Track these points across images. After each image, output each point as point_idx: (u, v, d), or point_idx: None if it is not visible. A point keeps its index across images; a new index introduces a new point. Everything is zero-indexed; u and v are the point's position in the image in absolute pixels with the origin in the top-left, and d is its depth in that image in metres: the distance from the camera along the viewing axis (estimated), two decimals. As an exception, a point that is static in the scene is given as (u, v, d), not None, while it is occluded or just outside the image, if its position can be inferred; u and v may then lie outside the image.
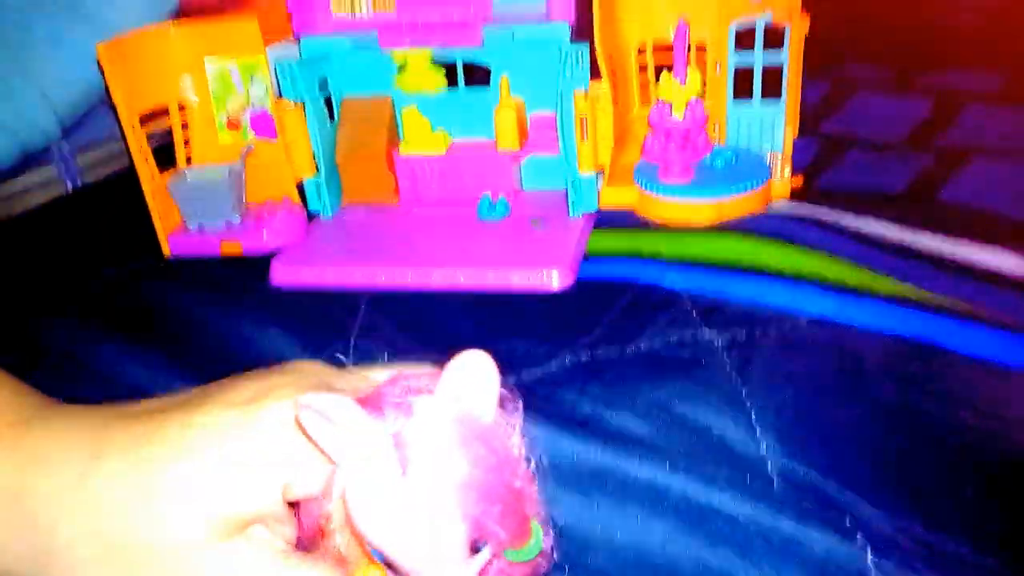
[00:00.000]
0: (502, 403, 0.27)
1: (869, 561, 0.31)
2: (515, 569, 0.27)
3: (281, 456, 0.27)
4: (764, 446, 0.36)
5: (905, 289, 0.45)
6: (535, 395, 0.40)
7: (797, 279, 0.46)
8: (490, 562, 0.26)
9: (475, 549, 0.25)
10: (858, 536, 0.32)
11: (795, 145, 0.59)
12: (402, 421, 0.25)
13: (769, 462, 0.35)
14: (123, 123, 0.56)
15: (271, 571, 0.26)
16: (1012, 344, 0.40)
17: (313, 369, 0.31)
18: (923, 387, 0.38)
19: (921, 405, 0.37)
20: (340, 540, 0.26)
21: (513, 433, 0.26)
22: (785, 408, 0.38)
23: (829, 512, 0.33)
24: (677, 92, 0.53)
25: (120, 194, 0.66)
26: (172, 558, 0.26)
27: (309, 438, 0.25)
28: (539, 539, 0.26)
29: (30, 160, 0.72)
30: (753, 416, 0.37)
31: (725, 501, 0.33)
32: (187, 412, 0.28)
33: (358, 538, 0.26)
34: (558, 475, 0.35)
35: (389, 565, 0.25)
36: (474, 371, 0.26)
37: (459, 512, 0.24)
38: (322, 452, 0.26)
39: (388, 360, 0.34)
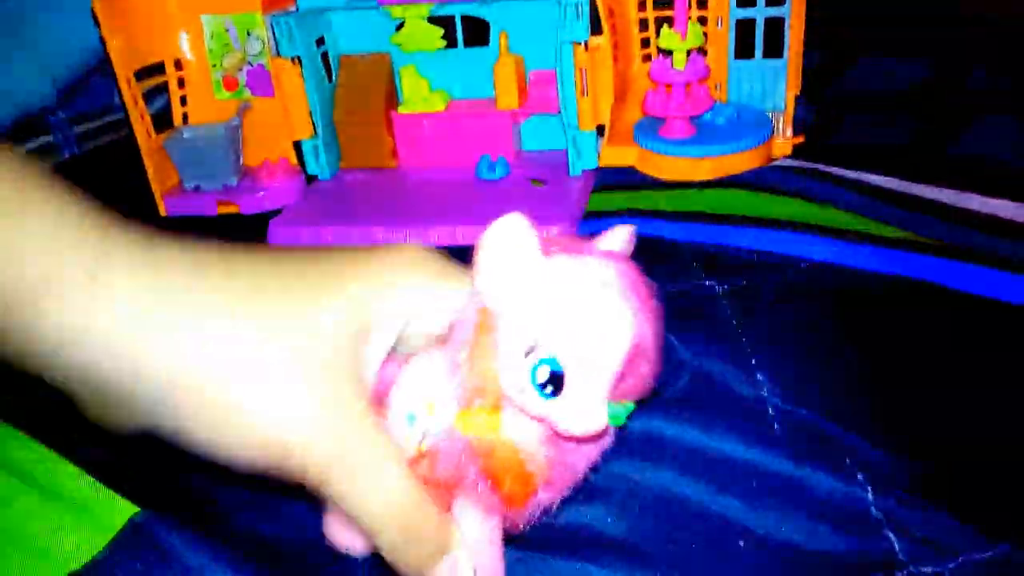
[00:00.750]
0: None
1: (869, 500, 0.31)
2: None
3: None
4: (764, 390, 0.36)
5: (906, 235, 0.45)
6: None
7: (798, 228, 0.46)
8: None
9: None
10: (858, 476, 0.32)
11: (797, 104, 0.58)
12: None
13: (769, 406, 0.35)
14: (119, 78, 0.55)
15: None
16: (1013, 283, 0.40)
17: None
18: (924, 327, 0.38)
19: (922, 345, 0.37)
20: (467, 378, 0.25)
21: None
22: (785, 352, 0.37)
23: (829, 453, 0.33)
24: (678, 44, 0.53)
25: (117, 160, 0.65)
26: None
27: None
28: (626, 412, 0.26)
29: (28, 127, 0.71)
30: (753, 361, 0.37)
31: (725, 445, 0.33)
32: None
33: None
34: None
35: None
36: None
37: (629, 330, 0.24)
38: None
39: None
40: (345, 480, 0.25)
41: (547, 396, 0.24)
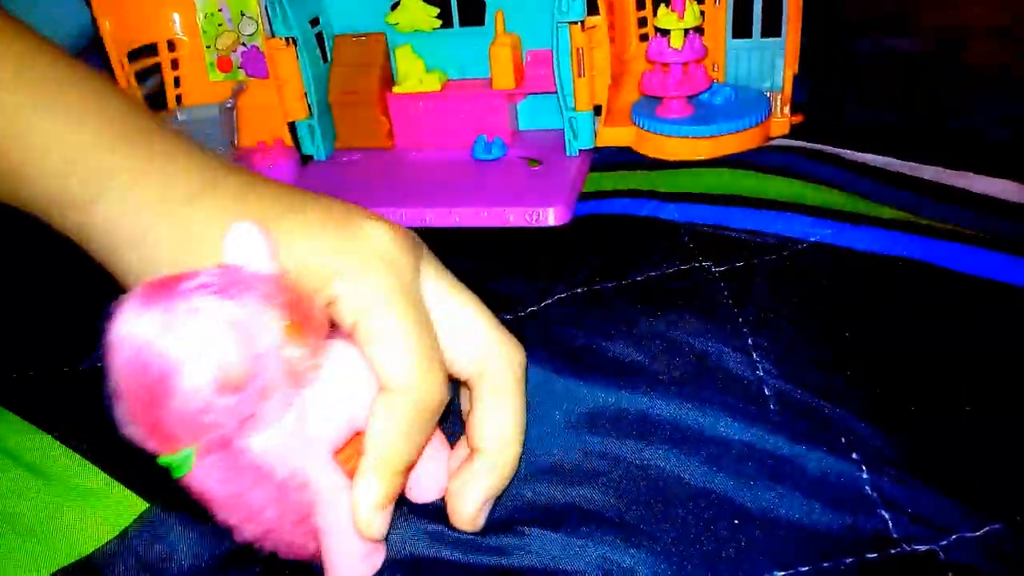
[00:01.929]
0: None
1: (864, 479, 0.31)
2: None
3: None
4: (760, 369, 0.36)
5: (905, 216, 0.44)
6: (531, 327, 0.40)
7: (795, 209, 0.46)
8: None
9: None
10: (854, 455, 0.32)
11: (795, 84, 0.58)
12: None
13: (765, 385, 0.35)
14: (111, 60, 0.55)
15: None
16: (1013, 264, 0.40)
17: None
18: (920, 306, 0.38)
19: (919, 325, 0.37)
20: None
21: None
22: (782, 333, 0.37)
23: (824, 433, 0.33)
24: (675, 23, 0.53)
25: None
26: None
27: None
28: (177, 463, 0.25)
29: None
30: (750, 340, 0.37)
31: (720, 425, 0.33)
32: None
33: None
34: (553, 405, 0.35)
35: None
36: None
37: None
38: None
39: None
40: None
41: None
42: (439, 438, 0.32)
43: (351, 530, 0.28)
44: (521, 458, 0.31)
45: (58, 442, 0.35)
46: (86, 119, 0.28)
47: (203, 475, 0.25)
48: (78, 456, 0.34)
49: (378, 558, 0.30)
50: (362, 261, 0.28)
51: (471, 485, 0.30)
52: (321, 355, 0.27)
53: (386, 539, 0.30)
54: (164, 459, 0.24)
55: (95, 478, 0.33)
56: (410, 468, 0.29)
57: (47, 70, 0.29)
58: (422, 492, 0.32)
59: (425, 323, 0.28)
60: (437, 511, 0.32)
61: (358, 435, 0.28)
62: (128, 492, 0.32)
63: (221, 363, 0.23)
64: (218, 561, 0.30)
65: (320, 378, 0.27)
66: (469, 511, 0.30)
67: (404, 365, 0.27)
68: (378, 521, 0.28)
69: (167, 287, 0.24)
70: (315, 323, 0.26)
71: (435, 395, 0.28)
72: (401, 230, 0.29)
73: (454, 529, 0.31)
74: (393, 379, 0.27)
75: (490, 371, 0.30)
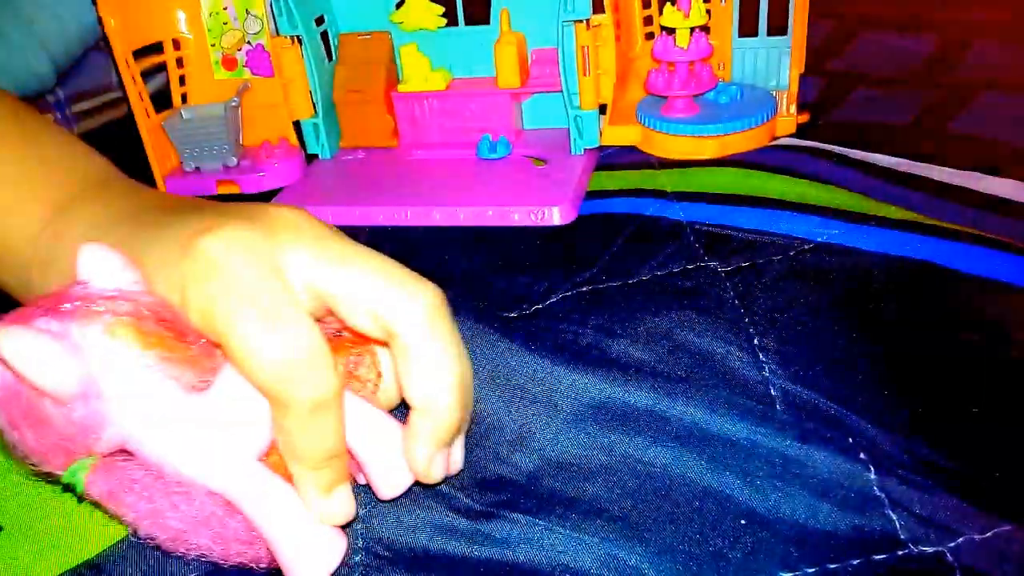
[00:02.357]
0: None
1: (872, 480, 0.31)
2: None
3: None
4: (767, 370, 0.36)
5: (911, 216, 0.44)
6: (536, 326, 0.40)
7: (801, 208, 0.46)
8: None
9: None
10: (861, 455, 0.31)
11: (801, 82, 0.57)
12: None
13: (772, 385, 0.35)
14: (117, 58, 0.55)
15: None
16: (1018, 264, 0.39)
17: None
18: (928, 307, 0.38)
19: (926, 325, 0.37)
20: None
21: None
22: (788, 332, 0.37)
23: (832, 433, 0.33)
24: (681, 22, 0.52)
25: (117, 140, 0.65)
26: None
27: None
28: (69, 481, 0.27)
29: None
30: (756, 340, 0.37)
31: (727, 425, 0.33)
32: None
33: None
34: (558, 404, 0.35)
35: None
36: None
37: None
38: None
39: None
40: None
41: None
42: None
43: (301, 526, 0.28)
44: (472, 401, 0.32)
45: None
46: (33, 173, 0.33)
47: (99, 487, 0.27)
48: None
49: (337, 548, 0.30)
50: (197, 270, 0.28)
51: (412, 443, 0.30)
52: (205, 359, 0.28)
53: (347, 529, 0.30)
54: (63, 478, 0.26)
55: None
56: None
57: None
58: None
59: (371, 251, 0.30)
60: (441, 501, 0.32)
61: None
62: None
63: (53, 380, 0.25)
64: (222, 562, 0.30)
65: (220, 390, 0.28)
66: (419, 468, 0.30)
67: (398, 286, 0.29)
68: (438, 464, 0.30)
69: (18, 315, 0.26)
70: (175, 329, 0.27)
71: (438, 293, 0.30)
72: (243, 229, 0.29)
73: (458, 519, 0.31)
74: (392, 306, 0.29)
75: (394, 330, 0.29)
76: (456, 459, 0.32)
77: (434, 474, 0.30)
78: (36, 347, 0.24)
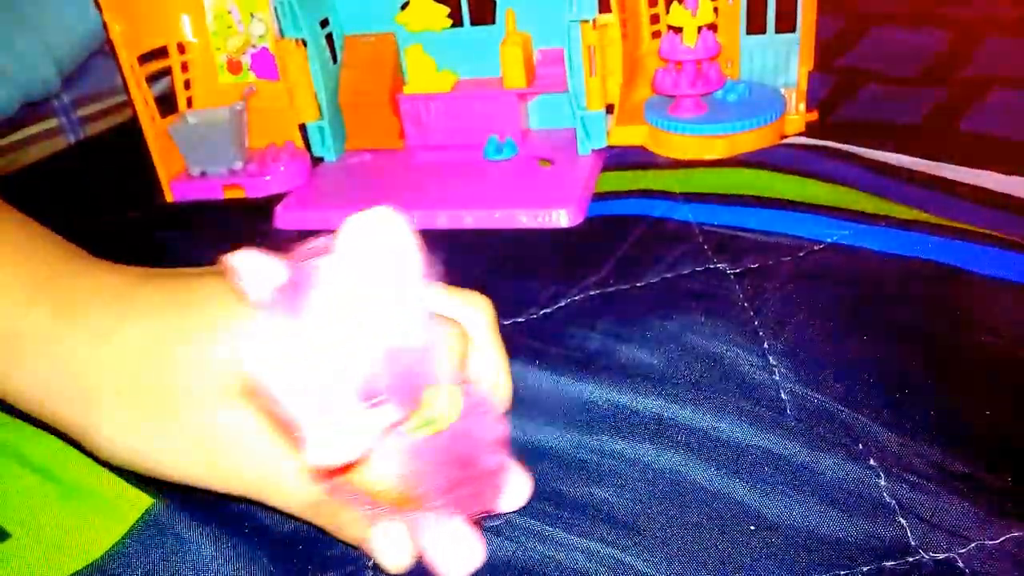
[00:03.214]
0: (414, 265, 0.25)
1: (882, 485, 0.30)
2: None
3: None
4: (776, 374, 0.35)
5: (922, 216, 0.44)
6: (544, 331, 0.40)
7: (811, 209, 0.45)
8: (391, 429, 0.25)
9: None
10: (871, 462, 0.31)
11: (810, 80, 0.57)
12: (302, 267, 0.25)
13: (781, 389, 0.35)
14: (122, 64, 0.55)
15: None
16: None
17: None
18: (940, 309, 0.37)
19: (938, 328, 0.37)
20: None
21: (416, 296, 0.25)
22: (798, 335, 0.37)
23: (842, 438, 0.32)
24: (688, 20, 0.52)
25: (122, 144, 0.65)
26: (193, 405, 0.28)
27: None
28: (434, 410, 0.26)
29: (31, 111, 0.71)
30: (766, 344, 0.37)
31: (736, 430, 0.33)
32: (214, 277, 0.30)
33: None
34: (566, 410, 0.35)
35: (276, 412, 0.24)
36: (377, 228, 0.24)
37: (347, 362, 0.23)
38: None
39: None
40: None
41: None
42: None
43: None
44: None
45: (70, 446, 0.35)
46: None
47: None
48: (90, 460, 0.34)
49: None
50: None
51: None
52: None
53: None
54: (418, 420, 0.26)
55: (105, 481, 0.33)
56: None
57: None
58: None
59: None
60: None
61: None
62: (138, 493, 0.32)
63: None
64: (225, 558, 0.30)
65: None
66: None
67: (460, 299, 0.31)
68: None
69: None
70: None
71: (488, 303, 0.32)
72: None
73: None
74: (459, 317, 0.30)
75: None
76: None
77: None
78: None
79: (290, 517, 0.31)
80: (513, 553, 0.30)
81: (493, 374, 0.32)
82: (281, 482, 0.28)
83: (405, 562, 0.29)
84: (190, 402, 0.28)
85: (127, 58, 0.55)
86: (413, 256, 0.24)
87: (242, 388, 0.27)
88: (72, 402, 0.29)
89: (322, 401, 0.23)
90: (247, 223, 0.54)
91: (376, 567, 0.30)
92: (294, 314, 0.24)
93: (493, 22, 0.59)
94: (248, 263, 0.25)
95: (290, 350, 0.23)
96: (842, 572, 0.28)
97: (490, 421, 0.28)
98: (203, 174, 0.59)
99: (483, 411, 0.28)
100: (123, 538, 0.31)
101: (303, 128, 0.60)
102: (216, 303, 0.29)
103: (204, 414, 0.28)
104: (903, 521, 0.30)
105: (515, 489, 0.31)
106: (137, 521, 0.31)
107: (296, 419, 0.23)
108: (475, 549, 0.30)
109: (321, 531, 0.30)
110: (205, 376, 0.28)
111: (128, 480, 0.33)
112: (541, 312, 0.41)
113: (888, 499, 0.30)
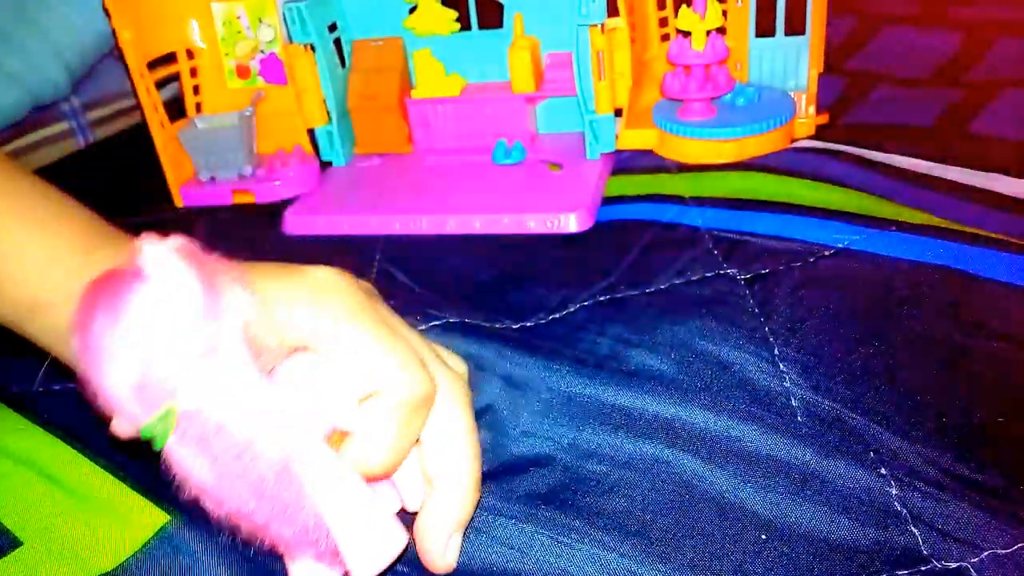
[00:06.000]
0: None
1: (893, 494, 0.30)
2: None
3: None
4: (787, 380, 0.35)
5: (933, 220, 0.43)
6: (553, 336, 0.40)
7: (822, 213, 0.45)
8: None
9: None
10: (883, 470, 0.31)
11: (820, 82, 0.57)
12: None
13: (792, 396, 0.35)
14: (131, 70, 0.55)
15: None
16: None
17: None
18: (952, 315, 0.37)
19: (950, 334, 0.36)
20: None
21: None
22: (808, 341, 0.37)
23: (853, 445, 0.32)
24: (697, 24, 0.52)
25: (132, 148, 0.65)
26: None
27: None
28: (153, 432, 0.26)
29: (41, 115, 0.71)
30: (776, 350, 0.36)
31: (747, 436, 0.33)
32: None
33: None
34: (576, 416, 0.35)
35: None
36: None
37: None
38: None
39: (404, 308, 0.33)
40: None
41: None
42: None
43: (360, 513, 0.28)
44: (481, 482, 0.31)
45: (86, 458, 0.35)
46: (59, 229, 0.33)
47: (183, 453, 0.26)
48: (106, 472, 0.34)
49: (398, 541, 0.29)
50: (318, 290, 0.30)
51: (431, 520, 0.30)
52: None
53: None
54: (145, 429, 0.26)
55: (120, 494, 0.33)
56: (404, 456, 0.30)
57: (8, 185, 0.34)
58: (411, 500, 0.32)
59: (395, 329, 0.30)
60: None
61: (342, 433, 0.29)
62: (153, 509, 0.32)
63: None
64: (238, 573, 0.30)
65: (295, 369, 0.29)
66: (436, 548, 0.30)
67: (386, 368, 0.29)
68: (453, 547, 0.30)
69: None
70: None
71: (421, 388, 0.29)
72: (349, 275, 0.31)
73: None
74: (379, 383, 0.29)
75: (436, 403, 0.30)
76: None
77: (450, 558, 0.30)
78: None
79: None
80: (522, 563, 0.30)
81: (458, 450, 0.30)
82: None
83: None
84: None
85: (136, 65, 0.55)
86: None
87: None
88: None
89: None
90: (257, 228, 0.54)
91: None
92: None
93: (501, 26, 0.59)
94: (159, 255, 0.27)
95: None
96: (854, 581, 0.28)
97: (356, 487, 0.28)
98: (212, 179, 0.59)
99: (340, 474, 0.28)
100: (136, 553, 0.31)
101: (312, 133, 0.60)
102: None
103: None
104: (915, 530, 0.29)
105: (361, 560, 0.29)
106: (152, 538, 0.31)
107: None
108: (393, 540, 0.29)
109: None
110: None
111: (144, 495, 0.33)
112: (550, 317, 0.41)
113: (900, 507, 0.30)
